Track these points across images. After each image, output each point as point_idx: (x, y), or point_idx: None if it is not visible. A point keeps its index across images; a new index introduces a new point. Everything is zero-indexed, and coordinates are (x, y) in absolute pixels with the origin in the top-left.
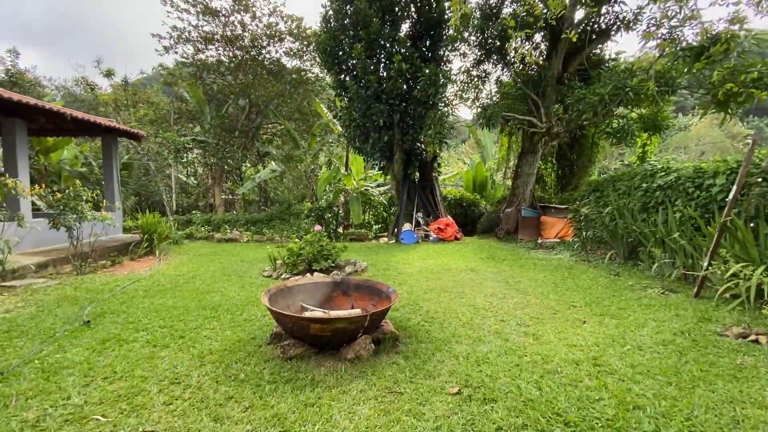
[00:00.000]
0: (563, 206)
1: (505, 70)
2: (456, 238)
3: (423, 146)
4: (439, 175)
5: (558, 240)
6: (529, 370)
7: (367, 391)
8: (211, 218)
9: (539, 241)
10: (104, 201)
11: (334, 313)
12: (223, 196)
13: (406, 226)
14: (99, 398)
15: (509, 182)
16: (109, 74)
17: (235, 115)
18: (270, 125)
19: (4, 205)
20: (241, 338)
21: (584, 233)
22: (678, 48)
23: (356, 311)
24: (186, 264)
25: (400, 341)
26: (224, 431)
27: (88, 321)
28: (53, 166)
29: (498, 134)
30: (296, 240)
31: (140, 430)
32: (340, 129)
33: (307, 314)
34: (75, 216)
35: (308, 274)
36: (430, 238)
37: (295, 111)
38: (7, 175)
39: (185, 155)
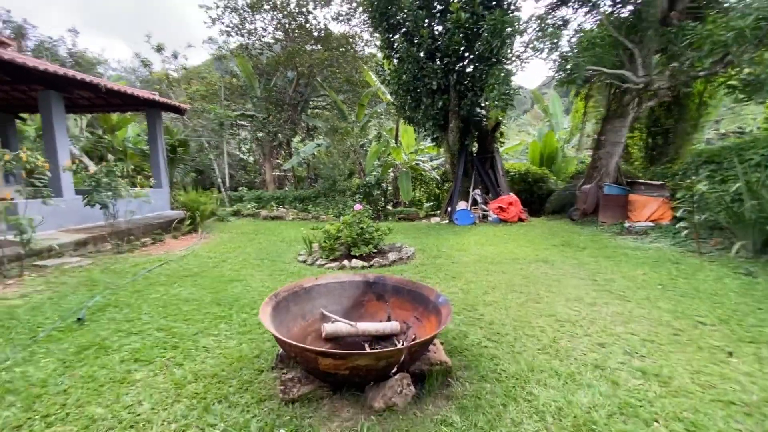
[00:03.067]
0: (657, 182)
1: (589, 15)
2: (520, 219)
3: (483, 112)
4: (501, 146)
5: (651, 224)
6: None
7: None
8: (261, 195)
9: (626, 224)
10: (139, 177)
11: (363, 327)
12: (275, 173)
13: (462, 205)
14: None
15: (583, 155)
16: (159, 49)
17: (282, 87)
18: (318, 98)
19: (18, 181)
20: (244, 354)
21: (696, 217)
22: None
23: (391, 325)
24: (224, 244)
25: (453, 376)
26: None
27: (80, 318)
28: (120, 144)
29: (572, 99)
30: (332, 221)
31: None
32: (390, 97)
33: (327, 327)
34: (109, 193)
35: (345, 261)
36: (490, 218)
37: (344, 82)
38: (24, 149)
39: (237, 131)
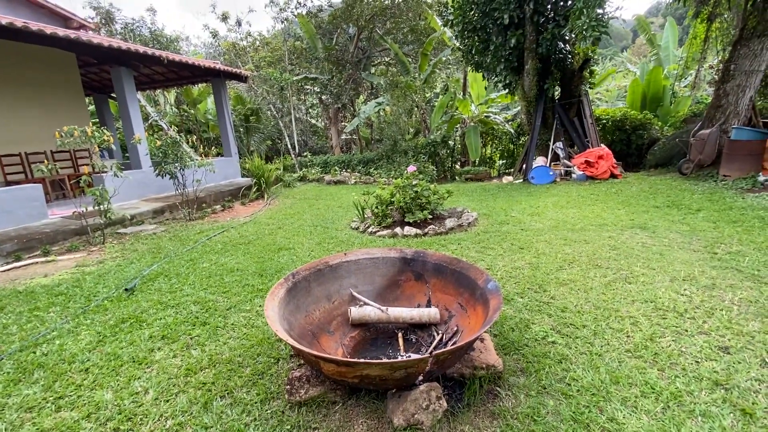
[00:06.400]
0: None
1: None
2: (613, 176)
3: (568, 48)
4: (591, 88)
5: None
6: None
7: None
8: (327, 159)
9: (761, 178)
10: (201, 146)
11: (395, 313)
12: (343, 137)
13: (539, 161)
14: None
15: (701, 94)
16: (224, 18)
17: (344, 45)
18: (382, 52)
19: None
20: (267, 336)
21: None
22: None
23: (429, 312)
24: (285, 210)
25: (504, 384)
26: None
27: (127, 289)
28: (202, 117)
29: (689, 23)
30: (383, 185)
31: None
32: (455, 42)
33: (353, 311)
34: (176, 164)
35: (398, 229)
36: (574, 175)
37: (408, 32)
38: (90, 125)
39: (303, 97)
